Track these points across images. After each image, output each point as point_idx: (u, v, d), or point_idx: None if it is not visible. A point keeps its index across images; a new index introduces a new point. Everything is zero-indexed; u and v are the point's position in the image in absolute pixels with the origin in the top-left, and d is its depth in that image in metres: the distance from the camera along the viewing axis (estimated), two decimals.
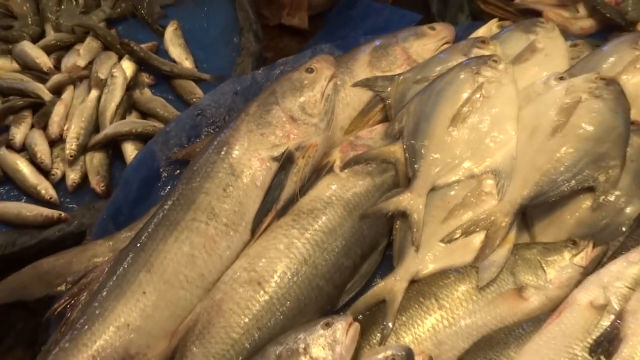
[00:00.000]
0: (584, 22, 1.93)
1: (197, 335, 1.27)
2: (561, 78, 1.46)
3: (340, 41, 1.95)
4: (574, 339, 1.11)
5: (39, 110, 2.05)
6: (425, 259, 1.34)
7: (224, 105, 1.75)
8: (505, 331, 1.21)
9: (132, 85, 2.11)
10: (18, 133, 1.98)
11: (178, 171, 1.64)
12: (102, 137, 1.95)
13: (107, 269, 1.39)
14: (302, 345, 1.15)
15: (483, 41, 1.65)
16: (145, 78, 2.17)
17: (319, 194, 1.43)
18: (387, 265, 1.39)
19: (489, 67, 1.49)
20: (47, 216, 1.81)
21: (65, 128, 2.00)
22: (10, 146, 1.97)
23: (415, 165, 1.42)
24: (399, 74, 1.63)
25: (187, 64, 2.21)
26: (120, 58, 2.19)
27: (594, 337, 1.09)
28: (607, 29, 1.89)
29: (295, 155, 1.43)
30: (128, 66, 2.14)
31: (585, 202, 1.35)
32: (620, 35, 1.65)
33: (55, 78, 2.12)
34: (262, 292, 1.30)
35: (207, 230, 1.36)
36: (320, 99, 1.48)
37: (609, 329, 1.08)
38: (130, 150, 1.94)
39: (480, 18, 1.97)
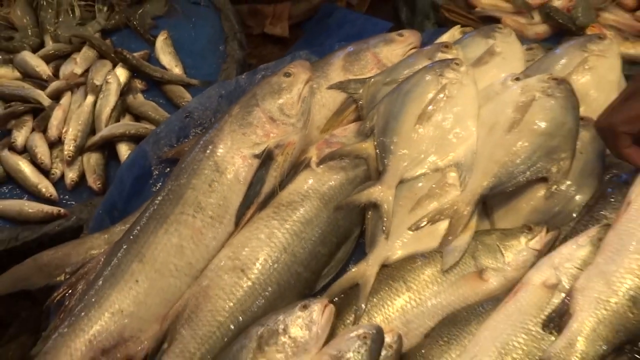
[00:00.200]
0: (539, 28, 1.94)
1: (186, 319, 1.27)
2: (517, 79, 1.47)
3: (317, 48, 1.94)
4: (528, 316, 1.11)
5: (39, 114, 2.05)
6: (395, 246, 1.34)
7: (210, 107, 1.75)
8: (467, 310, 1.22)
9: (125, 90, 2.11)
10: (20, 136, 1.98)
11: (168, 169, 1.63)
12: (98, 138, 1.95)
13: (102, 259, 1.38)
14: (281, 326, 1.16)
15: (446, 46, 1.65)
16: (138, 84, 2.16)
17: (297, 188, 1.43)
18: (360, 252, 1.39)
19: (451, 70, 1.49)
20: (47, 212, 1.81)
21: (63, 131, 1.99)
22: (12, 148, 1.97)
23: (385, 160, 1.42)
24: (370, 77, 1.63)
25: (177, 70, 2.20)
26: (114, 66, 2.18)
27: (546, 313, 1.10)
28: (560, 33, 1.90)
29: (274, 152, 1.43)
30: (122, 73, 2.14)
31: (540, 192, 1.36)
32: (571, 39, 1.65)
33: (54, 85, 2.11)
34: (245, 279, 1.30)
35: (195, 223, 1.36)
36: (297, 100, 1.48)
37: (559, 305, 1.09)
38: (124, 151, 1.93)
39: (445, 25, 1.98)
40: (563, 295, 1.10)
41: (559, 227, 1.29)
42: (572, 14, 1.91)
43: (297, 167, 1.48)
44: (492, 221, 1.38)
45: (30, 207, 1.83)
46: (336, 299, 1.30)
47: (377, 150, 1.45)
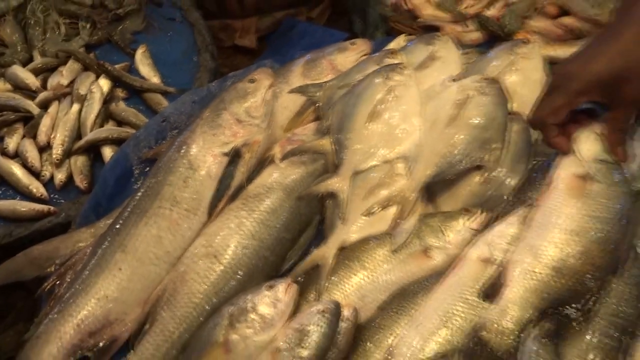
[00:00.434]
0: (473, 35, 1.96)
1: (165, 301, 1.26)
2: (454, 79, 1.48)
3: (281, 57, 1.94)
4: (466, 287, 1.13)
5: (29, 122, 2.01)
6: (351, 230, 1.34)
7: (185, 112, 1.72)
8: (414, 284, 1.22)
9: (108, 99, 2.07)
10: (11, 142, 1.95)
11: (148, 168, 1.61)
12: (84, 142, 1.92)
13: (88, 251, 1.37)
14: (250, 305, 1.16)
15: (393, 52, 1.66)
16: (120, 92, 2.13)
17: (263, 181, 1.42)
18: (320, 236, 1.39)
19: (397, 73, 1.50)
20: (38, 210, 1.78)
21: (52, 136, 1.95)
22: (5, 153, 1.93)
23: (341, 155, 1.43)
24: (327, 82, 1.63)
25: (155, 80, 2.17)
26: (97, 77, 2.14)
27: (481, 284, 1.11)
28: (491, 39, 1.92)
29: (242, 150, 1.43)
30: (104, 83, 2.11)
31: (475, 178, 1.36)
32: (500, 44, 1.66)
33: (42, 95, 2.08)
34: (217, 264, 1.29)
35: (171, 215, 1.35)
36: (261, 104, 1.48)
37: (494, 276, 1.10)
38: (108, 153, 1.91)
39: (392, 34, 1.99)
40: (495, 267, 1.11)
41: (493, 209, 1.30)
42: (502, 22, 1.93)
43: (262, 163, 1.47)
44: (435, 205, 1.39)
45: (23, 206, 1.80)
46: (300, 279, 1.30)
47: (334, 146, 1.45)
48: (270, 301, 1.15)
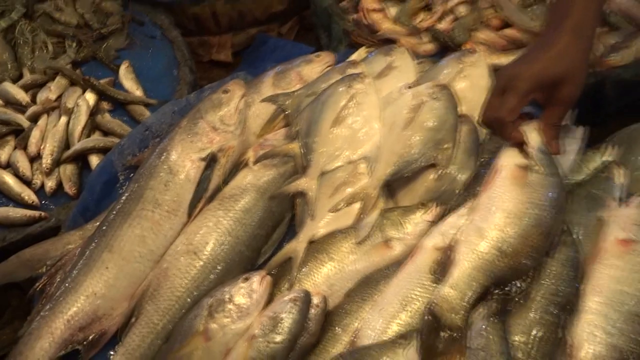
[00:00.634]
0: (427, 46, 1.97)
1: (150, 296, 1.26)
2: (410, 87, 1.48)
3: (254, 70, 1.93)
4: (423, 273, 1.13)
5: (20, 135, 1.97)
6: (319, 225, 1.34)
7: (166, 122, 1.70)
8: (377, 273, 1.23)
9: (94, 111, 2.04)
10: (3, 153, 1.92)
11: (132, 175, 1.57)
12: (72, 152, 1.89)
13: (77, 252, 1.35)
14: (227, 296, 1.16)
15: (354, 63, 1.66)
16: (105, 105, 2.10)
17: (238, 183, 1.42)
18: (291, 232, 1.39)
19: (358, 82, 1.51)
20: (30, 216, 1.75)
21: (41, 147, 1.92)
22: None
23: (309, 157, 1.43)
24: (295, 91, 1.63)
25: (138, 93, 2.15)
26: (84, 91, 2.10)
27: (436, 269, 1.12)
28: (443, 50, 1.93)
29: (218, 155, 1.42)
30: (90, 97, 2.07)
31: (430, 175, 1.37)
32: (450, 54, 1.68)
33: (32, 109, 2.04)
34: (197, 260, 1.29)
35: (154, 217, 1.34)
36: (234, 112, 1.47)
37: (444, 257, 1.10)
38: (95, 161, 1.88)
39: (354, 47, 1.99)
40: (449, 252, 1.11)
41: (446, 202, 1.31)
42: (451, 34, 1.95)
43: (237, 166, 1.47)
44: (395, 200, 1.40)
45: (16, 212, 1.76)
46: (273, 271, 1.30)
47: (302, 150, 1.45)
48: (246, 292, 1.15)
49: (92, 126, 2.01)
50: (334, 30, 2.19)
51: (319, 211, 1.36)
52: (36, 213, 1.76)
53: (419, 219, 1.28)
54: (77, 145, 1.91)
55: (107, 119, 2.05)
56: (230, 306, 1.14)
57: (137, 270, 1.30)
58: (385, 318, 1.11)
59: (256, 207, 1.37)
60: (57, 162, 1.88)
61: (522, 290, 1.06)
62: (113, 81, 2.19)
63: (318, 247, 1.30)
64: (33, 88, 2.16)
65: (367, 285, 1.21)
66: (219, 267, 1.29)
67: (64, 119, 1.99)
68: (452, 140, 1.39)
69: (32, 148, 1.92)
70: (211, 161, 1.41)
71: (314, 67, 1.74)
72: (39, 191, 1.86)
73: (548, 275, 1.12)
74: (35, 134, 1.95)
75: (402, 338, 1.04)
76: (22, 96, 2.10)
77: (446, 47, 1.92)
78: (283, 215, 1.42)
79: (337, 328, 1.16)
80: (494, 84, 1.14)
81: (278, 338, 1.09)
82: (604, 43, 1.86)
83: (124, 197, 1.39)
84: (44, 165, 1.86)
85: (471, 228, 1.08)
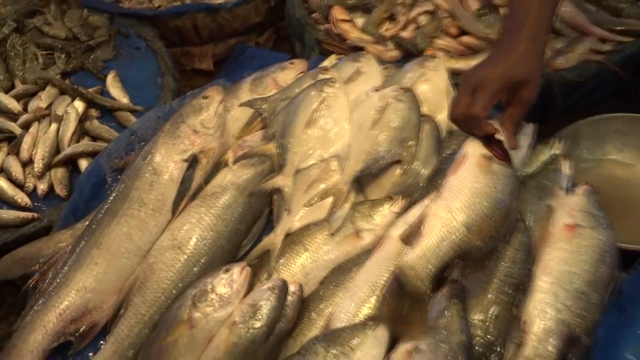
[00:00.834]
0: (392, 53, 1.99)
1: (137, 289, 1.24)
2: (377, 90, 1.49)
3: (234, 77, 1.91)
4: (390, 260, 1.14)
5: (13, 141, 1.93)
6: (295, 219, 1.34)
7: (150, 127, 1.68)
8: (349, 261, 1.23)
9: (83, 118, 2.00)
10: None
11: (119, 176, 1.55)
12: (62, 156, 1.85)
13: (68, 250, 1.32)
14: (209, 286, 1.14)
15: (325, 69, 1.66)
16: (93, 112, 2.06)
17: (219, 182, 1.41)
18: (269, 226, 1.39)
19: (329, 86, 1.51)
20: (23, 217, 1.70)
21: (33, 153, 1.87)
22: None
23: (284, 156, 1.42)
24: (271, 96, 1.62)
25: (124, 100, 2.11)
26: (73, 100, 2.06)
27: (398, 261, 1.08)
28: (407, 56, 1.94)
29: (199, 157, 1.41)
30: (79, 105, 2.02)
31: (396, 171, 1.38)
32: (413, 60, 1.69)
33: (24, 117, 1.99)
34: (181, 254, 1.27)
35: (140, 215, 1.33)
36: (214, 116, 1.46)
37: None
38: (84, 165, 1.84)
39: (325, 54, 1.99)
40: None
41: (411, 195, 1.32)
42: (414, 41, 1.96)
43: (217, 166, 1.46)
44: (364, 195, 1.40)
45: (9, 214, 1.72)
46: (253, 262, 1.29)
47: (278, 150, 1.45)
48: (227, 282, 1.14)
49: (81, 132, 1.98)
50: (307, 40, 2.19)
51: (294, 206, 1.35)
52: (29, 214, 1.71)
53: (386, 211, 1.29)
54: (67, 150, 1.88)
55: (95, 125, 2.01)
56: (212, 296, 1.13)
57: (125, 265, 1.28)
58: (356, 302, 1.11)
59: (236, 204, 1.36)
60: (48, 166, 1.84)
61: (481, 270, 1.07)
62: (101, 90, 2.16)
63: (294, 239, 1.29)
64: (24, 97, 2.12)
65: (340, 273, 1.21)
66: (202, 261, 1.27)
67: (54, 126, 1.95)
68: (415, 138, 1.40)
69: (24, 153, 1.87)
70: (193, 162, 1.40)
71: (288, 73, 1.74)
72: (32, 194, 1.81)
73: (503, 259, 1.13)
74: (27, 140, 1.90)
75: (371, 320, 1.04)
76: (14, 105, 2.05)
77: (409, 54, 1.94)
78: (261, 210, 1.41)
79: (312, 313, 1.16)
80: (462, 84, 1.12)
81: (257, 324, 1.08)
82: (551, 48, 1.90)
83: (111, 197, 1.37)
84: (35, 170, 1.82)
85: (441, 205, 1.06)
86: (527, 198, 1.28)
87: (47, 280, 1.28)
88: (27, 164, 1.87)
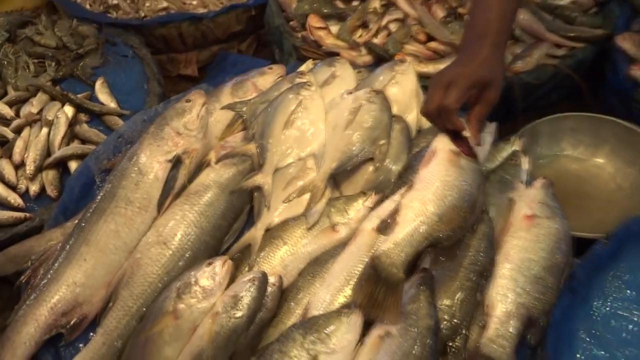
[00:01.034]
0: (365, 58, 1.98)
1: (125, 283, 1.22)
2: (350, 92, 1.49)
3: (217, 82, 1.89)
4: (363, 251, 1.14)
5: (5, 145, 1.88)
6: (274, 214, 1.33)
7: (136, 130, 1.65)
8: (325, 253, 1.22)
9: (73, 122, 1.95)
10: None
11: (107, 177, 1.53)
12: (53, 159, 1.81)
13: (59, 247, 1.30)
14: (193, 279, 1.13)
15: (302, 73, 1.65)
16: (82, 117, 2.01)
17: (202, 181, 1.39)
18: (250, 222, 1.37)
19: (305, 90, 1.50)
20: (16, 217, 1.66)
21: (25, 156, 1.83)
22: None
23: (264, 156, 1.41)
24: (251, 99, 1.61)
25: (112, 105, 2.07)
26: (63, 105, 2.01)
27: (375, 249, 1.10)
28: (379, 60, 1.94)
29: (182, 157, 1.39)
30: (69, 110, 1.98)
31: (369, 168, 1.38)
32: (385, 64, 1.69)
33: (16, 122, 1.94)
34: (167, 249, 1.25)
35: (126, 213, 1.30)
36: (196, 118, 1.44)
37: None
38: (74, 166, 1.79)
39: (302, 59, 1.99)
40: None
41: (383, 191, 1.32)
42: (385, 47, 1.96)
43: (200, 166, 1.44)
44: (340, 191, 1.40)
45: (3, 214, 1.67)
46: (236, 256, 1.28)
47: (258, 150, 1.44)
48: (210, 275, 1.13)
49: (71, 135, 1.93)
50: (285, 46, 2.18)
51: (273, 202, 1.34)
52: (22, 214, 1.67)
53: (360, 206, 1.29)
54: (57, 153, 1.83)
55: (84, 128, 1.97)
56: (196, 288, 1.11)
57: (113, 261, 1.26)
58: (332, 292, 1.11)
59: (218, 201, 1.35)
60: (39, 169, 1.80)
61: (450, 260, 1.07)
62: (90, 95, 2.11)
63: (274, 233, 1.29)
64: (17, 104, 2.06)
65: (317, 264, 1.20)
66: (186, 255, 1.26)
67: (45, 130, 1.90)
68: (386, 137, 1.40)
69: (17, 157, 1.83)
70: (177, 162, 1.38)
71: (267, 77, 1.72)
72: (24, 195, 1.77)
73: (469, 248, 1.14)
74: (19, 144, 1.86)
75: (346, 308, 1.04)
76: (7, 111, 2.00)
77: (381, 58, 1.93)
78: (243, 207, 1.40)
79: (291, 303, 1.16)
80: (435, 83, 1.11)
81: (239, 314, 1.07)
82: (511, 52, 1.92)
83: (99, 197, 1.34)
84: (27, 172, 1.78)
85: (414, 196, 1.06)
86: (490, 191, 1.29)
87: (38, 276, 1.26)
88: (19, 166, 1.83)
